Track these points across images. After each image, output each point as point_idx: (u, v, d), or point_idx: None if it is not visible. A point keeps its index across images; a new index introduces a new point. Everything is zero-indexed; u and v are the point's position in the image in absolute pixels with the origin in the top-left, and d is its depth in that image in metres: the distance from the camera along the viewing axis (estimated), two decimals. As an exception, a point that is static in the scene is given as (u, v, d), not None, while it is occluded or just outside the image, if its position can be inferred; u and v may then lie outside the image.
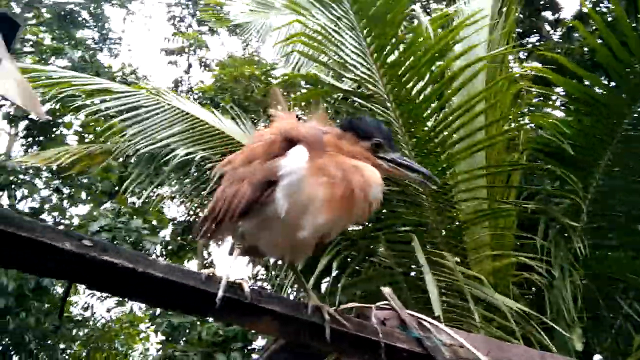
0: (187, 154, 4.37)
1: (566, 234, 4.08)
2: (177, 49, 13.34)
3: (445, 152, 4.11)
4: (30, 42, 19.67)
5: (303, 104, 5.23)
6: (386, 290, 2.00)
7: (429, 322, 1.90)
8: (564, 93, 5.07)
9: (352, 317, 1.83)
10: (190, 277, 1.55)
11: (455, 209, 4.51)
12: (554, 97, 5.57)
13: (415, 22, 3.94)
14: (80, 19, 20.81)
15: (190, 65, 13.16)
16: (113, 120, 4.92)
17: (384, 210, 4.67)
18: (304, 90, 5.95)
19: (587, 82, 4.27)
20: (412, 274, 4.36)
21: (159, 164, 4.64)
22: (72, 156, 5.03)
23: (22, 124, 16.27)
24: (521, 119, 4.99)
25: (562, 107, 4.74)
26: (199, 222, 1.92)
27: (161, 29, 21.01)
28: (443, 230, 4.46)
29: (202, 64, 12.88)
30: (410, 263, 4.26)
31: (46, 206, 14.03)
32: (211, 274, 1.60)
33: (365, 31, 3.58)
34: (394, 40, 3.58)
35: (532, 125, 4.76)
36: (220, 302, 1.54)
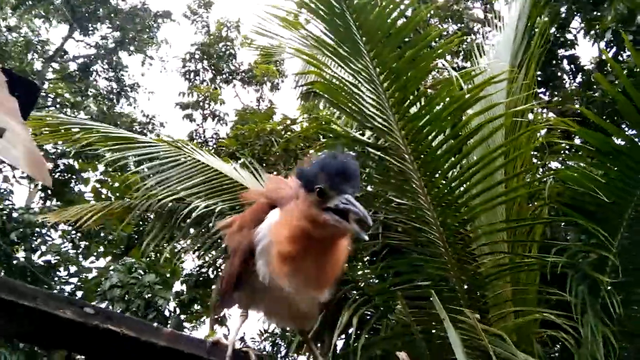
0: (206, 207, 4.35)
1: (595, 289, 3.91)
2: (191, 102, 13.64)
3: (465, 205, 4.03)
4: (50, 97, 20.32)
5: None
6: (402, 355, 1.89)
7: None
8: (583, 145, 5.02)
9: None
10: (195, 346, 1.50)
11: (476, 263, 4.40)
12: (574, 149, 5.52)
13: (439, 75, 3.95)
14: (98, 69, 21.46)
15: (204, 119, 13.42)
16: (130, 172, 4.94)
17: (402, 264, 4.57)
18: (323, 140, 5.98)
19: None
20: (432, 331, 4.22)
21: (178, 218, 4.62)
22: (94, 214, 5.06)
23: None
24: (543, 171, 4.92)
25: (587, 159, 4.66)
26: (216, 291, 1.88)
27: (176, 82, 21.54)
28: (464, 285, 4.33)
29: (216, 117, 13.13)
30: (430, 320, 4.12)
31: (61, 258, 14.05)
32: (216, 342, 1.54)
33: (385, 84, 3.59)
34: (415, 94, 3.58)
35: (554, 177, 4.68)
36: None
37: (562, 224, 4.75)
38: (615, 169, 4.04)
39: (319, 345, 4.33)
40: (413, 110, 3.71)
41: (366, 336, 4.02)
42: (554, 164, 5.28)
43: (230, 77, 15.58)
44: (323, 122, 5.05)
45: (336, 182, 1.33)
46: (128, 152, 4.80)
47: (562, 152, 5.39)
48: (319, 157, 1.49)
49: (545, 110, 6.67)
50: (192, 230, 4.78)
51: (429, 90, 3.82)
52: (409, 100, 3.63)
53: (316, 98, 5.60)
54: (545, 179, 4.46)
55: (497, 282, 4.43)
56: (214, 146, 11.35)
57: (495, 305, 4.43)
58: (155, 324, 1.51)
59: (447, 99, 3.67)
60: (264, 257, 1.54)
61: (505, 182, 4.37)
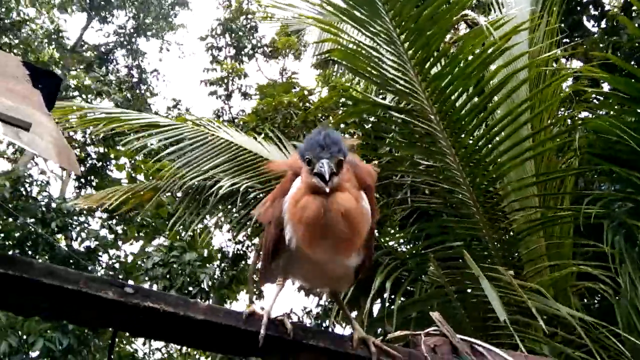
0: (232, 184, 4.40)
1: (631, 238, 3.83)
2: (216, 79, 13.59)
3: (493, 162, 3.97)
4: (71, 86, 20.62)
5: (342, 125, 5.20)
6: (435, 315, 1.92)
7: (482, 347, 1.80)
8: (612, 92, 4.86)
9: (400, 347, 1.75)
10: (231, 318, 1.55)
11: (508, 220, 4.36)
12: (604, 97, 5.35)
13: (461, 31, 3.84)
14: (117, 57, 21.61)
15: (230, 95, 13.38)
16: (159, 155, 5.01)
17: (433, 227, 4.57)
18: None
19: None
20: (467, 290, 4.22)
21: (205, 196, 4.68)
22: (122, 196, 5.18)
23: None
24: (571, 122, 4.79)
25: (616, 107, 4.52)
26: (254, 265, 1.94)
27: (198, 60, 21.56)
28: (497, 243, 4.30)
29: (241, 92, 13.08)
30: (463, 280, 4.12)
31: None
32: (252, 312, 1.58)
33: (406, 45, 3.52)
34: (437, 52, 3.51)
35: (584, 128, 4.55)
36: (262, 340, 1.52)
37: (595, 174, 4.63)
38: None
39: (355, 312, 4.39)
40: (435, 70, 3.63)
41: (401, 300, 4.05)
42: (583, 114, 5.12)
43: (253, 52, 15.48)
44: (341, 90, 4.99)
45: (317, 152, 1.57)
46: (154, 138, 4.87)
47: (590, 100, 5.23)
48: (311, 133, 1.70)
49: (570, 59, 6.45)
50: (220, 207, 4.84)
51: (451, 49, 3.71)
52: (431, 60, 3.56)
53: (335, 66, 5.52)
54: (574, 130, 4.33)
55: (530, 237, 4.39)
56: (239, 122, 11.39)
57: (530, 260, 4.40)
58: (192, 300, 1.54)
59: (470, 56, 3.59)
60: (289, 224, 1.62)
61: (532, 137, 4.29)
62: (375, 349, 1.64)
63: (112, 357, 10.15)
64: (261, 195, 4.59)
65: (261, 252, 1.86)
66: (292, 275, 1.81)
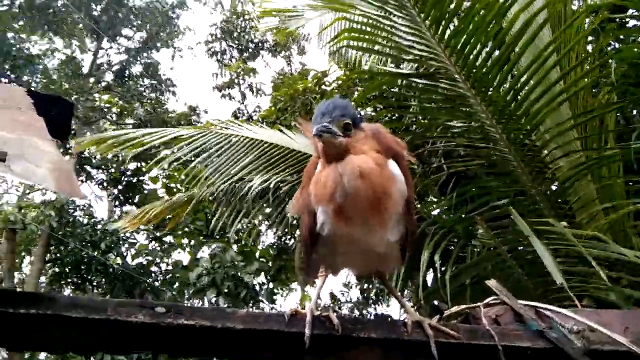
0: (262, 182, 4.38)
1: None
2: (226, 83, 13.62)
3: (526, 113, 3.81)
4: (100, 108, 21.05)
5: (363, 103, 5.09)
6: (492, 283, 1.81)
7: (549, 310, 1.67)
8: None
9: (459, 325, 1.65)
10: (273, 322, 1.46)
11: (552, 170, 4.19)
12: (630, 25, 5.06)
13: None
14: (133, 72, 21.93)
15: (244, 95, 13.41)
16: (190, 166, 5.02)
17: (474, 189, 4.44)
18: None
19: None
20: (520, 248, 4.09)
21: (240, 197, 4.68)
22: (160, 213, 5.26)
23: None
24: (601, 55, 4.55)
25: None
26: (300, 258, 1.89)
27: (208, 67, 21.60)
28: (544, 195, 4.14)
29: (254, 90, 13.08)
30: (516, 238, 3.99)
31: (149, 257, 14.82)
32: (295, 313, 1.50)
33: (417, 7, 3.38)
34: (451, 7, 3.35)
35: (616, 60, 4.31)
36: (309, 341, 1.43)
37: (635, 107, 4.40)
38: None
39: (407, 291, 4.32)
40: (452, 28, 3.47)
41: (454, 268, 3.95)
42: (615, 46, 4.87)
43: (257, 51, 15.43)
44: (356, 67, 4.87)
45: (319, 120, 1.56)
46: (180, 152, 4.87)
47: (617, 30, 4.94)
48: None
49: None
50: (256, 206, 4.84)
51: (464, 2, 3.52)
52: (446, 17, 3.40)
53: (347, 51, 5.39)
54: (606, 65, 4.10)
55: (579, 183, 4.21)
56: (259, 119, 11.39)
57: (582, 207, 4.23)
58: (229, 309, 1.48)
59: (484, 7, 3.41)
60: (317, 206, 1.59)
61: (563, 79, 4.09)
62: (432, 332, 1.54)
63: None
64: (295, 187, 4.54)
65: (302, 246, 1.81)
66: (335, 263, 1.74)
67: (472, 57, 3.43)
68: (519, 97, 3.81)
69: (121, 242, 14.20)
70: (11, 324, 1.30)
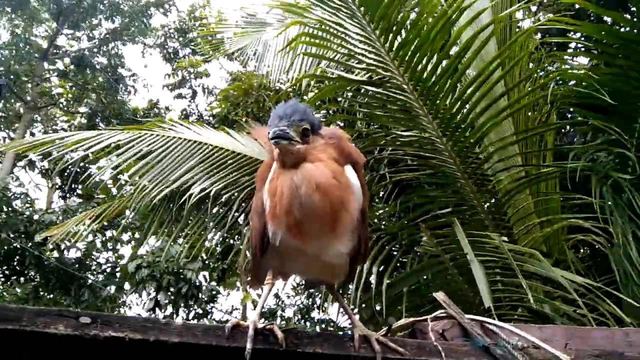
0: (201, 190, 4.27)
1: (619, 187, 3.80)
2: (178, 81, 13.38)
3: (471, 125, 3.90)
4: (52, 95, 20.23)
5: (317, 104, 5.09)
6: (440, 295, 1.80)
7: (494, 325, 1.68)
8: (584, 40, 4.81)
9: (406, 340, 1.62)
10: (211, 335, 1.36)
11: (492, 182, 4.32)
12: (573, 47, 5.30)
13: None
14: (94, 63, 21.25)
15: (194, 93, 13.18)
16: (129, 172, 4.79)
17: (417, 197, 4.51)
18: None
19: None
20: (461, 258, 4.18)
21: (180, 204, 4.52)
22: (95, 219, 5.12)
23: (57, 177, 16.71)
24: (543, 75, 4.74)
25: (587, 54, 4.46)
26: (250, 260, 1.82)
27: (162, 66, 21.03)
28: (484, 207, 4.27)
29: (205, 90, 12.87)
30: (458, 247, 4.08)
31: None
32: (236, 325, 1.42)
33: (367, 17, 3.41)
34: (398, 20, 3.39)
35: (557, 80, 4.50)
36: (249, 356, 1.34)
37: (572, 128, 4.60)
38: (623, 59, 3.85)
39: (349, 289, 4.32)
40: (400, 39, 3.52)
41: (394, 274, 4.00)
42: (556, 66, 5.07)
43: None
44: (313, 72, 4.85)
45: (275, 123, 1.49)
46: (119, 159, 4.66)
47: (559, 49, 5.16)
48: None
49: (539, 12, 6.37)
50: (196, 213, 4.73)
51: (410, 15, 3.58)
52: (393, 29, 3.44)
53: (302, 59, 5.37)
54: (548, 84, 4.27)
55: (518, 196, 4.36)
56: (209, 117, 11.21)
57: (519, 220, 4.38)
58: (163, 320, 1.36)
59: (430, 18, 3.47)
60: (269, 215, 1.51)
61: (507, 94, 4.23)
62: (380, 347, 1.50)
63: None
64: (235, 193, 4.47)
65: (250, 251, 1.74)
66: (284, 270, 1.69)
67: (419, 68, 3.49)
68: (465, 110, 3.89)
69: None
70: None
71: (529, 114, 4.62)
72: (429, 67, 3.52)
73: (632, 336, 1.78)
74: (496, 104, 4.03)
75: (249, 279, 1.85)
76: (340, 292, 4.03)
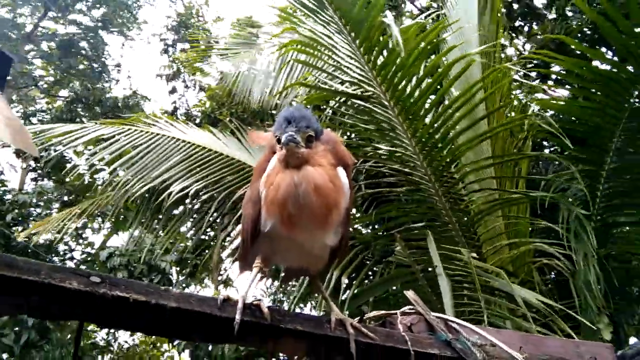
0: (182, 189, 4.31)
1: (585, 216, 3.98)
2: (172, 73, 13.34)
3: (447, 146, 4.04)
4: (33, 76, 19.96)
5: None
6: (410, 294, 1.95)
7: (457, 323, 1.84)
8: (565, 74, 4.99)
9: (377, 328, 1.77)
10: (205, 304, 1.49)
11: (466, 201, 4.45)
12: (554, 79, 5.49)
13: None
14: (80, 49, 21.04)
15: (186, 87, 13.18)
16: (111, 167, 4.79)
17: (394, 210, 4.62)
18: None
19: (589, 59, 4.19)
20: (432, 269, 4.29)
21: (159, 202, 4.54)
22: (74, 220, 5.13)
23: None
24: (523, 104, 4.91)
25: (567, 88, 4.64)
26: (239, 245, 1.92)
27: (157, 57, 20.99)
28: (456, 224, 4.39)
29: (197, 86, 12.87)
30: (429, 259, 4.20)
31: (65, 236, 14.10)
32: (227, 298, 1.54)
33: (352, 34, 3.52)
34: (380, 41, 3.51)
35: (537, 111, 4.67)
36: (238, 326, 1.48)
37: (546, 158, 4.78)
38: (601, 94, 4.03)
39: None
40: (381, 59, 3.64)
41: (366, 281, 4.10)
42: (537, 96, 5.26)
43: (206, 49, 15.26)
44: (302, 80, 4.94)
45: (284, 127, 1.62)
46: (101, 153, 4.67)
47: (541, 80, 5.35)
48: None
49: (523, 43, 6.58)
50: (177, 211, 4.76)
51: (391, 37, 3.69)
52: (375, 50, 3.56)
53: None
54: (526, 112, 4.44)
55: (489, 217, 4.50)
56: (197, 113, 11.20)
57: (489, 239, 4.51)
58: (163, 287, 1.49)
59: (411, 43, 3.60)
60: (264, 204, 1.63)
61: (487, 117, 4.37)
62: (353, 330, 1.65)
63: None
64: (215, 194, 4.51)
65: (240, 237, 1.84)
66: (271, 256, 1.80)
67: (399, 87, 3.60)
68: (443, 129, 4.00)
69: (30, 217, 13.44)
70: None
71: (507, 140, 4.77)
72: (409, 88, 3.64)
73: (582, 347, 1.95)
74: (476, 126, 4.17)
75: (238, 263, 1.95)
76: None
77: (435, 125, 3.92)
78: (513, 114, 4.86)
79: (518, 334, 1.98)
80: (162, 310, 1.41)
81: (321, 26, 3.71)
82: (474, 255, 3.77)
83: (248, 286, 1.67)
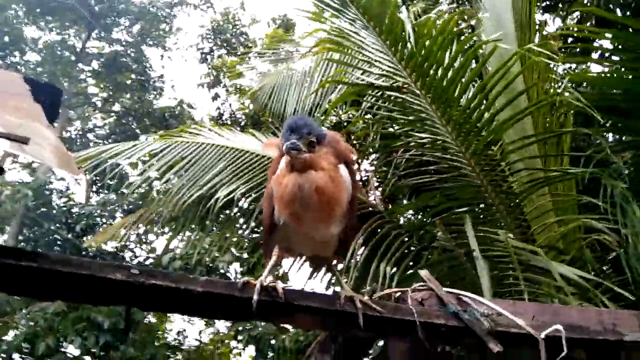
0: (228, 194, 4.49)
1: (634, 189, 3.89)
2: (212, 81, 13.63)
3: (485, 127, 4.04)
4: (87, 94, 20.95)
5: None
6: (423, 272, 2.09)
7: (467, 297, 1.95)
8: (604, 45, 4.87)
9: (386, 303, 1.93)
10: (227, 288, 1.73)
11: (509, 182, 4.44)
12: (594, 52, 5.34)
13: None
14: (124, 65, 21.86)
15: (228, 92, 13.45)
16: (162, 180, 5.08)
17: (437, 196, 4.65)
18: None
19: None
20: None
21: (207, 209, 4.73)
22: (129, 227, 5.46)
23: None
24: (562, 77, 4.82)
25: (606, 61, 4.52)
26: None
27: (196, 65, 21.55)
28: (501, 205, 4.39)
29: (237, 89, 13.08)
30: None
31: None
32: (246, 282, 1.77)
33: (377, 29, 3.61)
34: (403, 34, 3.59)
35: (577, 83, 4.58)
36: (255, 304, 1.70)
37: (594, 127, 4.66)
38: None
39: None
40: (407, 49, 3.69)
41: (410, 264, 4.18)
42: (576, 69, 5.14)
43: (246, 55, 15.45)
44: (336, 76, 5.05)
45: (287, 136, 1.80)
46: (153, 169, 4.98)
47: (582, 53, 5.22)
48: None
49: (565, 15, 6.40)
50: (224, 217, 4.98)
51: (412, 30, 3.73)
52: (400, 42, 3.64)
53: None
54: (565, 86, 4.36)
55: (536, 195, 4.45)
56: (242, 116, 11.46)
57: (537, 217, 4.48)
58: (192, 275, 1.74)
59: (433, 31, 3.64)
60: (275, 202, 1.86)
61: (526, 92, 4.31)
62: (361, 305, 1.83)
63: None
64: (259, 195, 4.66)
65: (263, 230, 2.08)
66: (288, 246, 2.02)
67: (428, 76, 3.66)
68: (482, 107, 4.01)
69: (97, 226, 14.22)
70: (13, 274, 1.55)
71: (547, 116, 4.70)
72: (438, 74, 3.68)
73: (604, 315, 2.00)
74: (515, 103, 4.15)
75: (263, 252, 2.22)
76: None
77: (472, 105, 3.94)
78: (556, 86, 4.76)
79: (535, 305, 2.05)
80: (190, 294, 1.67)
81: (347, 24, 3.82)
82: (511, 236, 3.78)
83: (267, 271, 1.88)
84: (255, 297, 1.72)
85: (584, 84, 4.73)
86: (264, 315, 1.79)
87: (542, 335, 1.79)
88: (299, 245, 2.05)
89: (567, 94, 4.28)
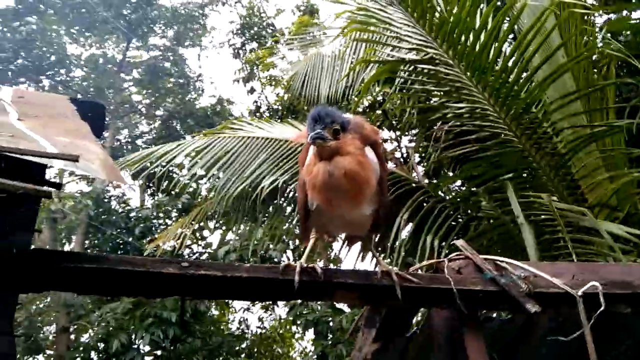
0: (271, 183, 4.58)
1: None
2: (247, 75, 13.77)
3: (523, 89, 3.96)
4: (127, 104, 21.63)
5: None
6: (459, 242, 2.13)
7: (505, 262, 1.97)
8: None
9: (422, 274, 2.00)
10: (270, 272, 1.85)
11: (554, 142, 4.33)
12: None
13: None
14: (164, 69, 22.42)
15: (263, 84, 13.57)
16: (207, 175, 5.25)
17: (481, 166, 4.59)
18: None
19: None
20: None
21: (252, 200, 4.84)
22: (185, 228, 5.67)
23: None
24: (601, 29, 4.64)
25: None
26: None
27: (231, 60, 21.95)
28: (547, 167, 4.30)
29: (271, 81, 13.16)
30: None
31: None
32: (287, 265, 1.88)
33: (403, 4, 3.60)
34: (429, 4, 3.55)
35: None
36: (297, 285, 1.81)
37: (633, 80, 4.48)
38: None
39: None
40: (436, 20, 3.66)
41: (456, 237, 4.17)
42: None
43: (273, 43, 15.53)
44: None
45: (311, 126, 1.86)
46: (197, 165, 5.17)
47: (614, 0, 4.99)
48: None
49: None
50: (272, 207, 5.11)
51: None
52: (428, 13, 3.61)
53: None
54: (606, 36, 4.20)
55: (582, 153, 4.33)
56: (278, 107, 11.53)
57: (586, 176, 4.37)
58: (237, 264, 1.88)
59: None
60: (307, 189, 1.93)
61: (564, 47, 4.18)
62: (397, 278, 1.90)
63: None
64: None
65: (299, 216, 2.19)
66: (323, 228, 2.12)
67: (460, 45, 3.61)
68: (518, 68, 3.91)
69: (154, 228, 14.75)
70: (76, 276, 1.71)
71: (588, 71, 4.54)
72: (469, 42, 3.63)
73: None
74: (553, 59, 4.03)
75: (300, 236, 2.32)
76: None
77: (507, 68, 3.86)
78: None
79: (575, 265, 2.04)
80: (237, 281, 1.80)
81: (372, 2, 3.82)
82: (554, 198, 3.69)
83: (306, 254, 1.99)
84: (296, 278, 1.82)
85: (625, 32, 4.52)
86: (306, 294, 1.90)
87: (580, 293, 1.80)
88: (333, 227, 2.14)
89: (606, 44, 4.12)
